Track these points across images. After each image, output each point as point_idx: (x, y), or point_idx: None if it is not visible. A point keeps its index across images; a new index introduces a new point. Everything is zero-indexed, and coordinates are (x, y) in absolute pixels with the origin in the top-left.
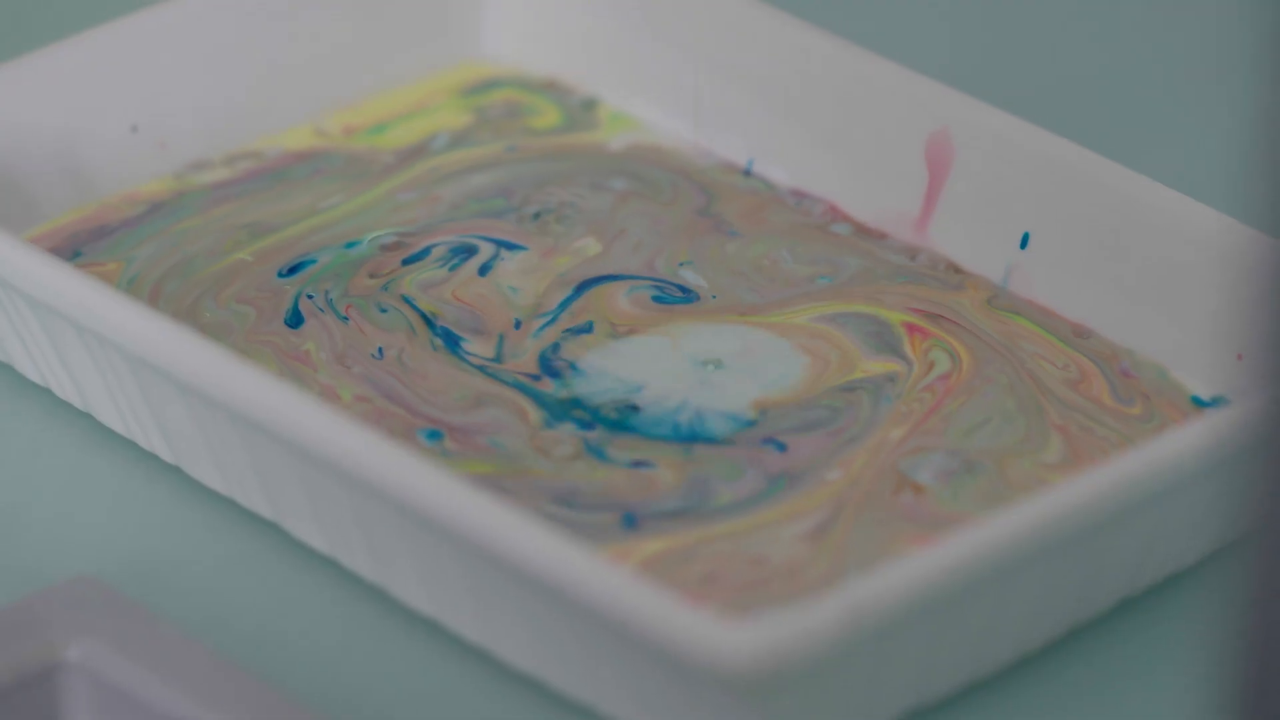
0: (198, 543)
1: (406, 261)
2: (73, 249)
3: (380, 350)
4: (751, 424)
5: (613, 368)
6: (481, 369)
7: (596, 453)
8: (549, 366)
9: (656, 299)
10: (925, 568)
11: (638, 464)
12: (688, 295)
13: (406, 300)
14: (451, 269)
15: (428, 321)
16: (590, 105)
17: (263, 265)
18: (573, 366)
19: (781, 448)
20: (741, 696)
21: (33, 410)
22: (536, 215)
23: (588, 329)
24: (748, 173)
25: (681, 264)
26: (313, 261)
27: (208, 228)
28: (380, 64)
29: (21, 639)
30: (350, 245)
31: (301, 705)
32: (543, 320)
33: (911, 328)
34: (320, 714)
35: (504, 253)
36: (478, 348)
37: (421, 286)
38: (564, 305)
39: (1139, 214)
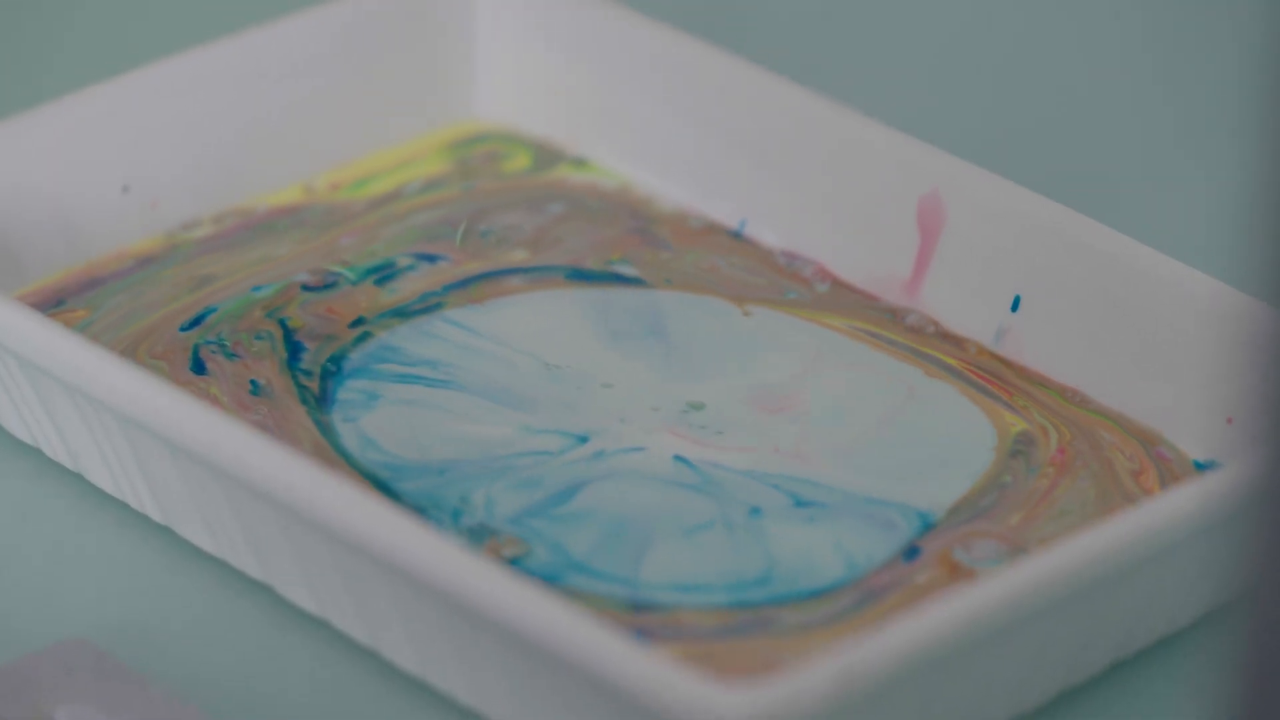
0: (188, 604)
1: (308, 289)
2: (58, 299)
3: (255, 384)
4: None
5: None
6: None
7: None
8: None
9: (572, 275)
10: (918, 631)
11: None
12: (624, 279)
13: (281, 322)
14: (353, 284)
15: (286, 335)
16: (581, 164)
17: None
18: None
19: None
20: None
21: (23, 470)
22: (466, 235)
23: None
24: (739, 234)
25: (612, 261)
26: (213, 310)
27: (172, 279)
28: (373, 126)
29: (10, 702)
30: (256, 289)
31: None
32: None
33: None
34: None
35: (420, 264)
36: (310, 354)
37: (304, 305)
38: (447, 289)
39: (1130, 278)
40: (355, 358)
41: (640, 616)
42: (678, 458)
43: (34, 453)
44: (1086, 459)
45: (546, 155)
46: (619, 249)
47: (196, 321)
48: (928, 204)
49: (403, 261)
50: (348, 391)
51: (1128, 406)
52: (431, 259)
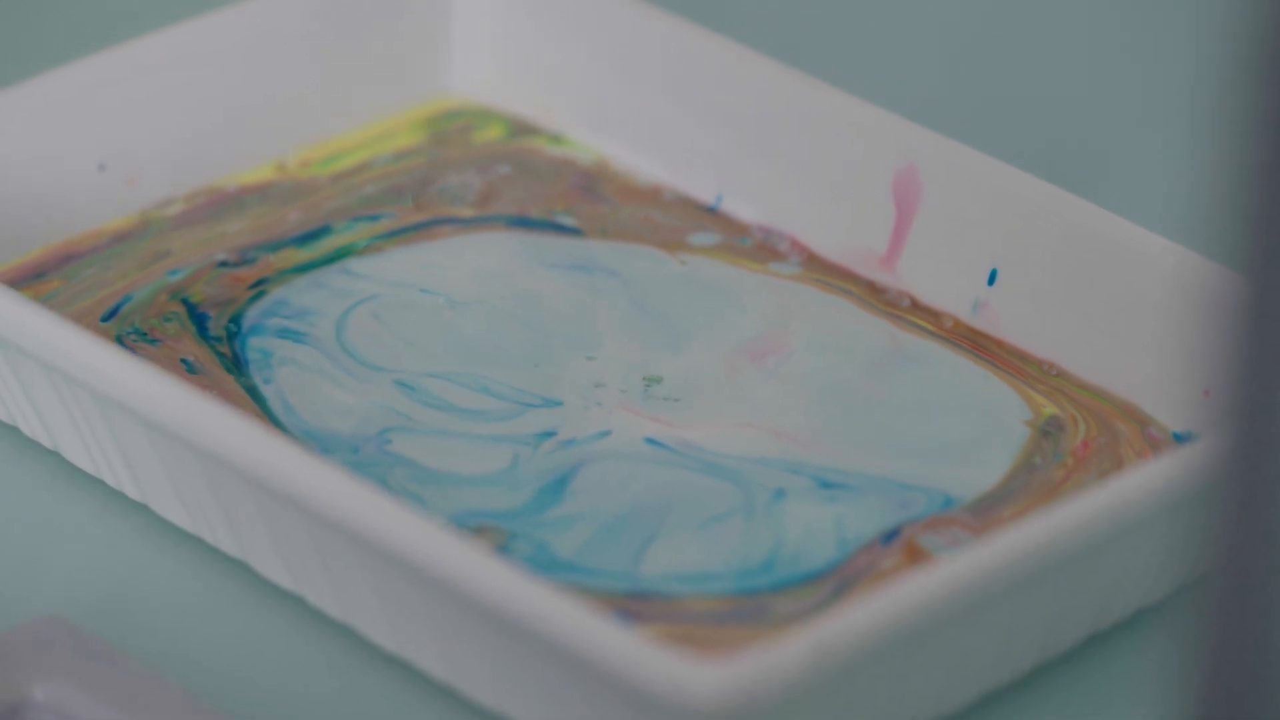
0: (165, 581)
1: (224, 265)
2: (37, 273)
3: (186, 362)
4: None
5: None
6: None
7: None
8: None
9: (514, 222)
10: (892, 605)
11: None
12: (564, 229)
13: (184, 300)
14: (273, 250)
15: (190, 310)
16: (557, 140)
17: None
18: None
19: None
20: None
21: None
22: (417, 195)
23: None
24: (714, 209)
25: (556, 212)
26: (128, 299)
27: (135, 255)
28: (349, 103)
29: None
30: (172, 274)
31: None
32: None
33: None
34: None
35: (358, 224)
36: (214, 320)
37: (211, 280)
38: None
39: (1107, 251)
40: (251, 314)
41: (635, 602)
42: (650, 440)
43: (11, 431)
44: (1101, 457)
45: (521, 129)
46: (563, 202)
47: (113, 313)
48: (904, 178)
49: (339, 224)
50: (251, 351)
51: (1105, 380)
52: (373, 218)
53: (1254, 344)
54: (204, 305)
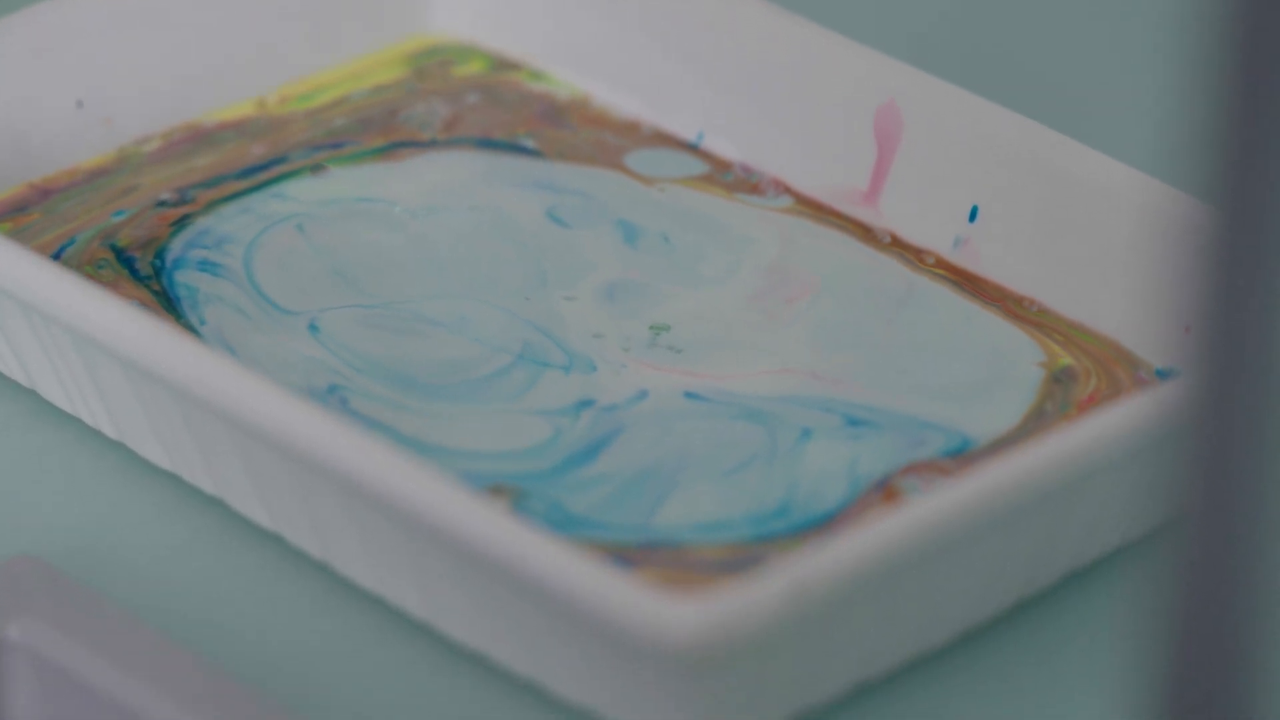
0: (141, 521)
1: (163, 204)
2: (20, 207)
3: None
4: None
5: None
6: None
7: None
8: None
9: (483, 144)
10: (870, 542)
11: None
12: (528, 151)
13: (110, 245)
14: (213, 185)
15: (118, 254)
16: (538, 76)
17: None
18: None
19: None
20: (685, 672)
21: None
22: (383, 124)
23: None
24: (696, 146)
25: (520, 134)
26: (71, 244)
27: (107, 188)
28: (332, 40)
29: None
30: (118, 214)
31: (245, 683)
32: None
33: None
34: (264, 691)
35: (316, 154)
36: (140, 260)
37: (141, 224)
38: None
39: (1088, 187)
40: (175, 247)
41: (641, 552)
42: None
43: None
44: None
45: (503, 65)
46: (526, 127)
47: (56, 256)
48: (885, 115)
49: (297, 154)
50: (179, 288)
51: (1086, 316)
52: (337, 146)
53: (1228, 280)
54: (130, 248)
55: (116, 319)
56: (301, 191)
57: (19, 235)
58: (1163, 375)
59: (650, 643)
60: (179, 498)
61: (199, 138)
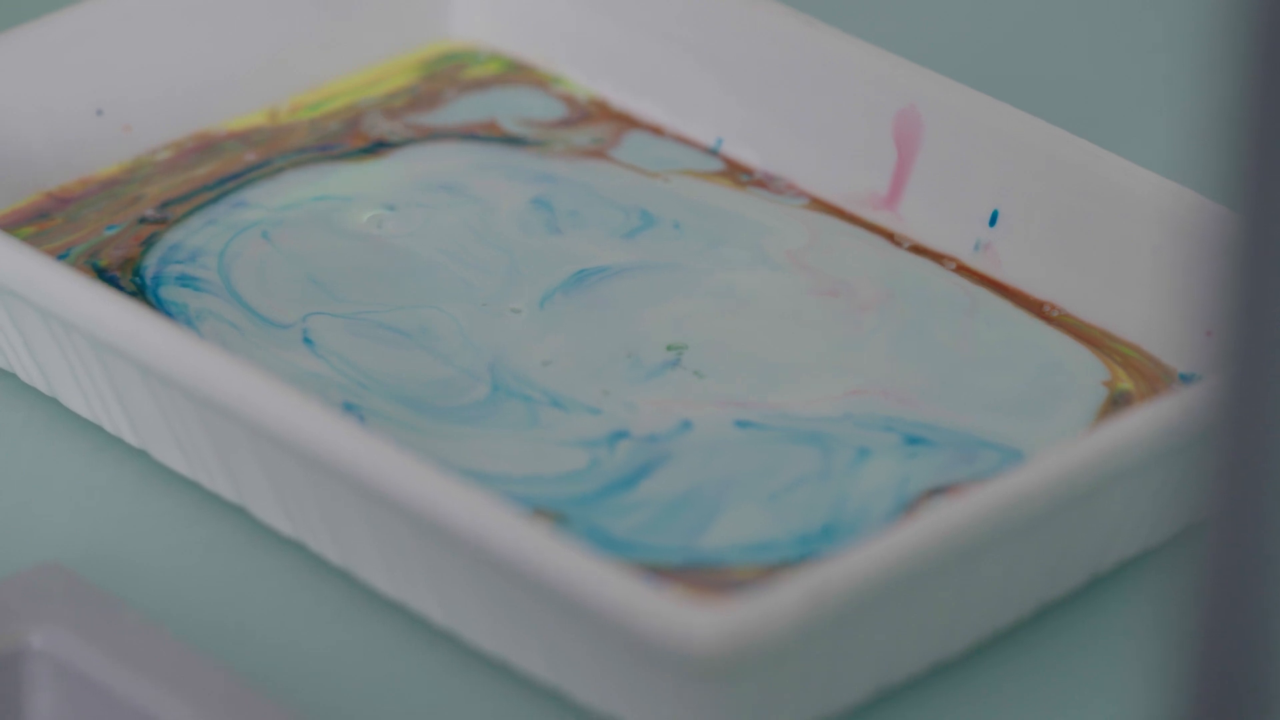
0: (163, 528)
1: (143, 221)
2: (39, 215)
3: None
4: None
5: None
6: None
7: None
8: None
9: (468, 138)
10: (890, 549)
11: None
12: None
13: (92, 265)
14: (188, 198)
15: (100, 275)
16: (555, 80)
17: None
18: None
19: None
20: (706, 679)
21: None
22: (376, 132)
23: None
24: (715, 151)
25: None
26: (66, 256)
27: (116, 198)
28: (349, 48)
29: None
30: (110, 229)
31: (265, 691)
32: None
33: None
34: (283, 699)
35: (298, 153)
36: (121, 280)
37: (118, 245)
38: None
39: (1109, 191)
40: (150, 264)
41: (681, 573)
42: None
43: (9, 377)
44: None
45: (518, 69)
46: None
47: None
48: (905, 119)
49: (279, 159)
50: (169, 305)
51: (1108, 322)
52: (325, 148)
53: (1251, 284)
54: (110, 267)
55: (137, 326)
56: (260, 197)
57: (35, 241)
58: (1186, 380)
59: (671, 650)
60: (200, 505)
61: (206, 147)
